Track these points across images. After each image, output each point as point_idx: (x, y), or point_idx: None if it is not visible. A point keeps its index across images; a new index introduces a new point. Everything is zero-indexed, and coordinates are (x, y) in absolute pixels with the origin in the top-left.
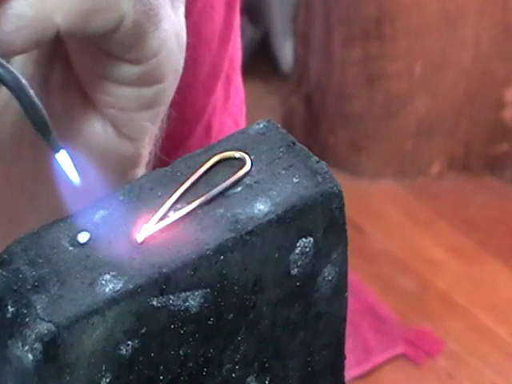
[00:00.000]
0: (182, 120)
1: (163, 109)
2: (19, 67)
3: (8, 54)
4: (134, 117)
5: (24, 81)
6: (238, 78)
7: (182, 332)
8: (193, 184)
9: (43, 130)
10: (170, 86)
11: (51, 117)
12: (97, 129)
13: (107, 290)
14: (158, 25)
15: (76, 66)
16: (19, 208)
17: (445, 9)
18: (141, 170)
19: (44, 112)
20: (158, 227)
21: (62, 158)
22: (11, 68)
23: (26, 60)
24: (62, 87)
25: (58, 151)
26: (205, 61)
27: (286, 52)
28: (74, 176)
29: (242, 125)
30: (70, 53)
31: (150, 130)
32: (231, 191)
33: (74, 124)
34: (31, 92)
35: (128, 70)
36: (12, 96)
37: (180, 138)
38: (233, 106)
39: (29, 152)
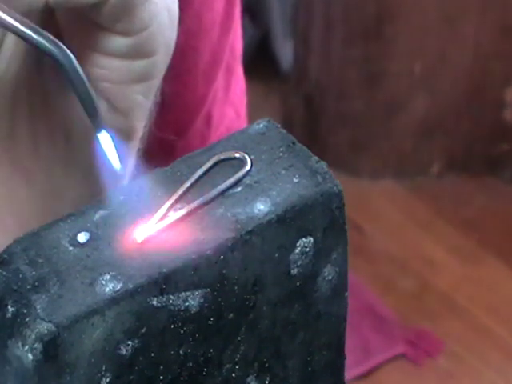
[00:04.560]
0: (182, 108)
1: (155, 82)
2: (12, 41)
3: None
4: (127, 90)
5: (76, 62)
6: (238, 68)
7: (182, 332)
8: (193, 184)
9: (91, 111)
10: (161, 60)
11: (46, 91)
12: None
13: (107, 290)
14: None
15: (67, 38)
16: (13, 183)
17: (445, 9)
18: (135, 144)
19: (93, 93)
20: (158, 227)
21: (105, 140)
22: (65, 48)
23: None
24: None
25: (100, 133)
26: (205, 49)
27: (286, 52)
28: (114, 159)
29: (243, 114)
30: (60, 26)
31: (143, 104)
32: (231, 191)
33: (67, 98)
34: (82, 73)
35: (118, 42)
36: (7, 71)
37: (181, 127)
38: (234, 95)
39: (23, 128)
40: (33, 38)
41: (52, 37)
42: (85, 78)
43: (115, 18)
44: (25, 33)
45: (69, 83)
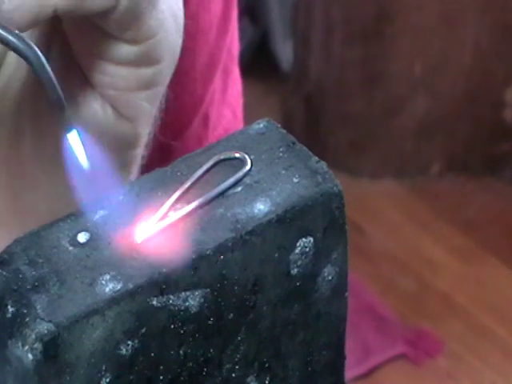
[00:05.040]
0: (180, 110)
1: (161, 89)
2: None
3: None
4: (132, 97)
5: (43, 58)
6: (236, 70)
7: (182, 332)
8: (193, 184)
9: (58, 108)
10: (167, 67)
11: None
12: (96, 110)
13: (107, 289)
14: (155, 4)
15: (74, 46)
16: (18, 187)
17: (445, 9)
18: (140, 151)
19: (60, 90)
20: (158, 227)
21: (73, 139)
22: (32, 44)
23: None
24: (60, 68)
25: (69, 131)
26: (202, 51)
27: (285, 52)
28: (82, 158)
29: (240, 116)
30: (67, 33)
31: (149, 111)
32: (231, 191)
33: (73, 105)
34: (50, 69)
35: (126, 50)
36: (12, 79)
37: (178, 128)
38: (231, 96)
39: (28, 132)
40: None
41: (19, 33)
42: (52, 76)
43: (123, 26)
44: None
45: (39, 80)
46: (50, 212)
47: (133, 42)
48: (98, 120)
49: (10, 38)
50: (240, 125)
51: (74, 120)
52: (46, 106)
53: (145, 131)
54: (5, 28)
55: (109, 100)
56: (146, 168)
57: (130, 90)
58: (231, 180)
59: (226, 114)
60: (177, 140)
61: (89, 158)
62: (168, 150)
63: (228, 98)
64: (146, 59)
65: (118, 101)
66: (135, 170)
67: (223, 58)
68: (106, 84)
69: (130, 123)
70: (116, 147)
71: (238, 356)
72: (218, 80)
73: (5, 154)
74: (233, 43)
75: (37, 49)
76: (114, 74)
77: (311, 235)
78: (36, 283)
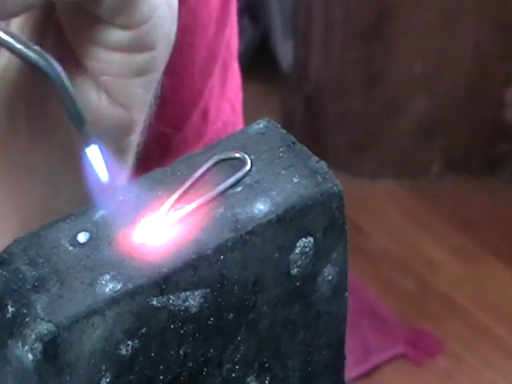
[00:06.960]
0: (179, 104)
1: (156, 76)
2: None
3: None
4: (127, 83)
5: (63, 73)
6: (234, 64)
7: (182, 332)
8: (193, 184)
9: (77, 122)
10: (162, 53)
11: (45, 85)
12: (91, 96)
13: (107, 289)
14: None
15: (67, 32)
16: (14, 176)
17: (445, 8)
18: (135, 138)
19: (80, 104)
20: (157, 227)
21: (93, 153)
22: (52, 59)
23: (20, 29)
24: (55, 55)
25: (88, 145)
26: (201, 45)
27: (286, 52)
28: (102, 172)
29: (239, 109)
30: (61, 19)
31: (144, 97)
32: (231, 191)
33: None
34: (69, 83)
35: (118, 36)
36: (8, 67)
37: (178, 122)
38: (230, 91)
39: (23, 125)
40: (19, 49)
41: (39, 48)
42: (72, 91)
43: (115, 12)
44: (12, 44)
45: (56, 95)
46: (45, 201)
47: (125, 27)
48: (92, 107)
49: (30, 53)
50: (239, 119)
51: (93, 135)
52: (41, 96)
53: (140, 118)
54: (25, 43)
55: (103, 86)
56: (146, 161)
57: (124, 76)
58: (231, 180)
59: (225, 108)
60: (176, 133)
61: (109, 173)
62: (167, 143)
63: (227, 92)
64: (140, 45)
65: (112, 87)
66: (131, 156)
67: (222, 52)
68: (100, 70)
69: (125, 110)
70: (111, 134)
71: (238, 356)
72: (216, 74)
73: (1, 142)
74: (232, 37)
75: (57, 65)
76: (107, 59)
77: (311, 235)
78: (36, 283)
